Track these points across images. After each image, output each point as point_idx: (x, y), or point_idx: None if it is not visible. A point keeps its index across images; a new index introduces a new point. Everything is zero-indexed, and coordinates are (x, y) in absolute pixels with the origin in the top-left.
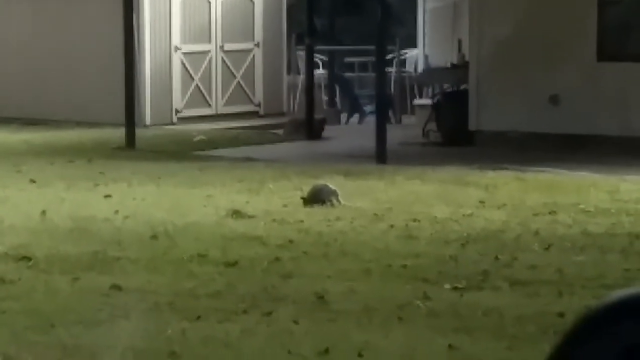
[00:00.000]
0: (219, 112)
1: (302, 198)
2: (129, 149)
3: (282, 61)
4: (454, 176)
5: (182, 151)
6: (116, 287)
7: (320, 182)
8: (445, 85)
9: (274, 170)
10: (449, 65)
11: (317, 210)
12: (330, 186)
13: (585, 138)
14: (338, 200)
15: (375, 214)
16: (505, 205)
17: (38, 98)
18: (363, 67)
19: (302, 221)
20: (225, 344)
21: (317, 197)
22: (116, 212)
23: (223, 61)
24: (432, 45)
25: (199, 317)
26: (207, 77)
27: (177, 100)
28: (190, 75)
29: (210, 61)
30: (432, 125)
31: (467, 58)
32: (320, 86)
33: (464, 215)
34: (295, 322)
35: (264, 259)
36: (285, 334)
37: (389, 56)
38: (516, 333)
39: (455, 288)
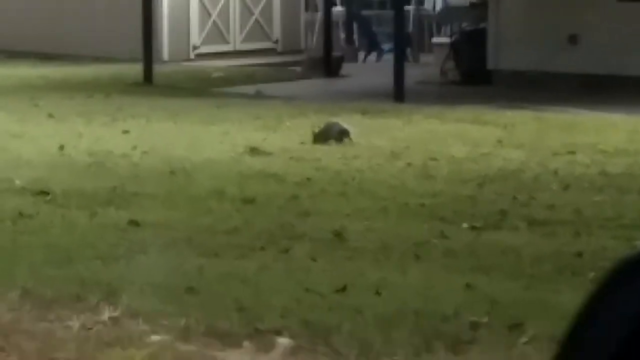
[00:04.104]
0: (236, 49)
1: (313, 132)
2: (146, 84)
3: None
4: (472, 115)
5: (199, 88)
6: (134, 223)
7: (337, 119)
8: (464, 24)
9: (291, 107)
10: (467, 3)
11: (334, 148)
12: (343, 124)
13: (604, 78)
14: (349, 139)
15: (392, 153)
16: (524, 144)
17: (56, 33)
18: (381, 4)
19: (319, 159)
20: (243, 280)
21: (327, 135)
22: (134, 147)
23: None
24: None
25: (216, 254)
26: (225, 13)
27: (195, 37)
28: (208, 12)
29: None
30: (450, 64)
31: None
32: (338, 24)
33: (481, 154)
34: (313, 260)
35: (281, 196)
36: (302, 271)
37: None
38: (533, 273)
39: (473, 227)
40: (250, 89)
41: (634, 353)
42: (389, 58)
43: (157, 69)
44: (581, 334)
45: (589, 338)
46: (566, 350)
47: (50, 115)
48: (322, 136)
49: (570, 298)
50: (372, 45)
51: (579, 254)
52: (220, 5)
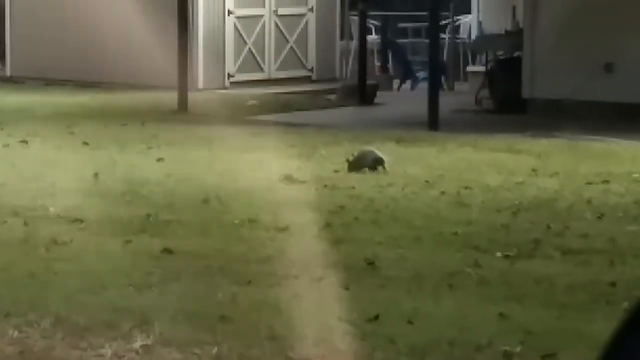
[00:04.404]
0: (271, 77)
1: (348, 161)
2: (181, 112)
3: (335, 26)
4: (507, 144)
5: (234, 116)
6: (167, 251)
7: (371, 148)
8: (499, 52)
9: (325, 135)
10: (503, 31)
11: (368, 176)
12: (377, 152)
13: None
14: (384, 167)
15: (426, 181)
16: (558, 173)
17: (92, 61)
18: (416, 33)
19: (353, 187)
20: (276, 308)
21: (362, 163)
22: (168, 175)
23: (276, 25)
24: (486, 11)
25: (249, 282)
26: (260, 41)
27: (230, 65)
28: (244, 40)
29: (263, 25)
30: (485, 93)
31: (521, 25)
32: (373, 52)
33: (516, 183)
34: (346, 288)
35: (315, 224)
36: (335, 299)
37: (443, 22)
38: (567, 302)
39: (507, 256)
40: (285, 117)
41: None
42: (423, 86)
43: (192, 97)
44: None
45: None
46: None
47: (85, 143)
48: (357, 164)
49: (604, 328)
50: (406, 73)
51: (613, 284)
52: (255, 33)
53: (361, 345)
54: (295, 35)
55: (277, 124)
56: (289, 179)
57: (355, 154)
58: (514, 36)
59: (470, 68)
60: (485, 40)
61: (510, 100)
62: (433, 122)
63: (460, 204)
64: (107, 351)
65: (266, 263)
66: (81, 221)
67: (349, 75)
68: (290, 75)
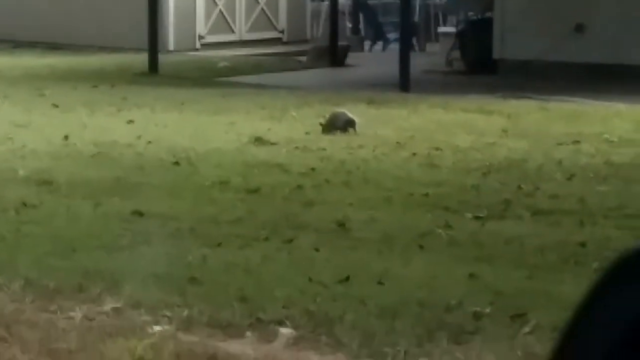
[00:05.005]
0: (242, 39)
1: (321, 124)
2: (152, 74)
3: None
4: (477, 105)
5: (205, 77)
6: (138, 213)
7: (342, 109)
8: (470, 13)
9: (296, 97)
10: None
11: (339, 138)
12: (349, 114)
13: (610, 67)
14: (354, 129)
15: (397, 142)
16: (528, 134)
17: (62, 23)
18: None
19: (324, 149)
20: (246, 270)
21: (334, 125)
22: (139, 137)
23: None
24: None
25: (219, 244)
26: (231, 3)
27: (201, 26)
28: (214, 1)
29: None
30: (456, 54)
31: None
32: (344, 13)
33: (486, 144)
34: (316, 250)
35: (286, 186)
36: (306, 261)
37: None
38: (537, 262)
39: (477, 217)
40: (255, 78)
41: (632, 348)
42: (395, 47)
43: (163, 58)
44: (580, 327)
45: (588, 331)
46: (565, 342)
47: (55, 105)
48: (329, 126)
49: (573, 288)
50: (378, 34)
51: (583, 244)
52: None
53: (331, 307)
54: None
55: (247, 85)
56: (259, 140)
57: (327, 116)
58: None
59: (441, 29)
60: (456, 1)
61: (481, 61)
62: (404, 83)
63: (431, 165)
64: (77, 314)
65: (237, 225)
66: (51, 183)
67: (320, 37)
68: (261, 37)
